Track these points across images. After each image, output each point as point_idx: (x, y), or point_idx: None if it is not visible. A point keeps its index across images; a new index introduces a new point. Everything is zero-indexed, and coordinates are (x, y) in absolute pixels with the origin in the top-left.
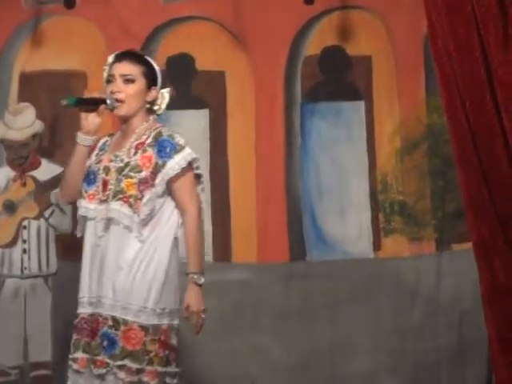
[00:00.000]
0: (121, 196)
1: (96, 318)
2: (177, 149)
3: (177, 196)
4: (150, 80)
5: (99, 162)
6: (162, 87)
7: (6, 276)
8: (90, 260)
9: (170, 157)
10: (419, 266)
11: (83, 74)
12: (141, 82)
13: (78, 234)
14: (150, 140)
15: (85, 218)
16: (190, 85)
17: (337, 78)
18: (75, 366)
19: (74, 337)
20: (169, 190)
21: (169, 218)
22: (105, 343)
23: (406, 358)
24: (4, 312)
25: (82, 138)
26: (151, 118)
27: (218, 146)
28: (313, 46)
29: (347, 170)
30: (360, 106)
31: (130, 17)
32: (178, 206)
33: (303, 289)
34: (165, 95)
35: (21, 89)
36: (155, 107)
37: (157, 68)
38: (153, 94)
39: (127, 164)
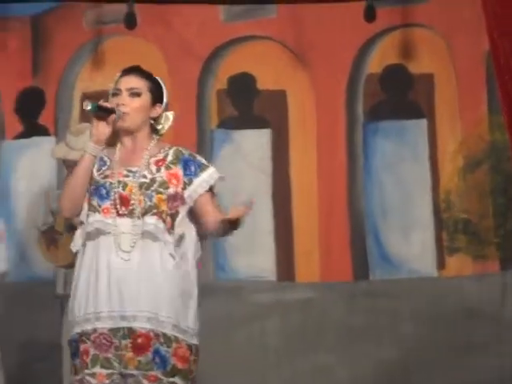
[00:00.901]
0: (155, 211)
1: (123, 332)
2: (202, 167)
3: (203, 210)
4: (156, 96)
5: (107, 176)
6: (223, 107)
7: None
8: (106, 274)
9: (196, 175)
10: (483, 284)
11: None
12: (146, 97)
13: (75, 249)
14: (170, 158)
15: (92, 233)
16: (252, 104)
17: (399, 96)
18: (93, 382)
19: (92, 352)
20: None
21: (190, 242)
22: (157, 359)
23: (469, 377)
24: None
25: (92, 147)
26: (155, 137)
27: (280, 166)
28: (374, 64)
29: (410, 188)
30: (422, 124)
31: (191, 37)
32: (202, 219)
33: (366, 308)
34: (169, 116)
35: (82, 109)
36: (158, 126)
37: (163, 85)
38: (157, 110)
39: (153, 180)
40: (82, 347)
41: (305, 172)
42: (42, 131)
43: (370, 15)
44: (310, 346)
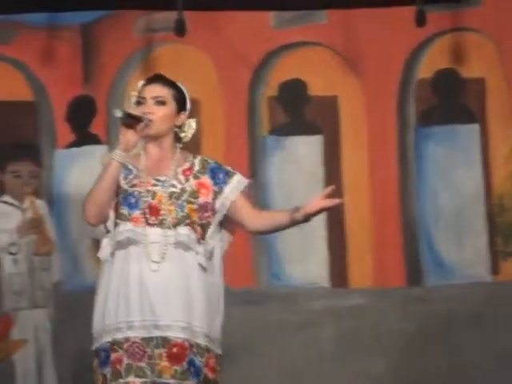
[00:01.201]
0: (187, 222)
1: (156, 341)
2: (229, 174)
3: (240, 214)
4: (180, 104)
5: (135, 185)
6: (275, 114)
7: None
8: (137, 283)
9: (225, 182)
10: None
11: (196, 102)
12: (171, 105)
13: (103, 257)
14: (197, 167)
15: (122, 242)
16: (303, 111)
17: (450, 100)
18: None
19: (126, 361)
20: (228, 215)
21: (218, 253)
22: (192, 369)
23: None
24: None
25: (120, 155)
26: (178, 145)
27: (332, 172)
28: (425, 68)
29: (463, 193)
30: (475, 128)
31: (242, 44)
32: (242, 222)
33: (420, 313)
34: (192, 124)
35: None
36: (182, 134)
37: (186, 93)
38: (182, 118)
39: (183, 190)
40: (114, 356)
41: (357, 178)
42: (94, 140)
43: (420, 20)
44: (364, 352)
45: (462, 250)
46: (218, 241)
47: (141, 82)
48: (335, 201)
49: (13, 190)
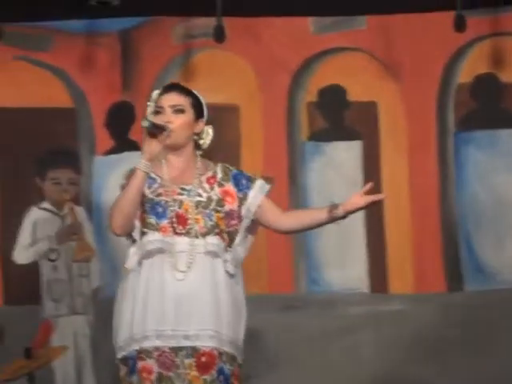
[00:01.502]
0: (216, 231)
1: (186, 351)
2: (251, 179)
3: (267, 217)
4: (198, 112)
5: (160, 194)
6: (314, 119)
7: None
8: (165, 293)
9: (248, 188)
10: None
11: (235, 108)
12: (189, 113)
13: (131, 267)
14: (220, 175)
15: (151, 251)
16: (343, 116)
17: (490, 105)
18: None
19: (156, 370)
20: (254, 219)
21: (242, 259)
22: (221, 378)
23: None
24: None
25: (144, 165)
26: (198, 153)
27: (371, 177)
28: (465, 73)
29: (504, 198)
30: None
31: (281, 50)
32: (268, 222)
33: (461, 319)
34: (209, 131)
35: None
36: (200, 141)
37: (203, 101)
38: (200, 125)
39: (210, 198)
40: (141, 364)
41: (396, 183)
42: (133, 146)
43: (459, 25)
44: (404, 358)
45: (503, 255)
46: (244, 247)
47: (156, 92)
48: (376, 197)
49: (52, 196)
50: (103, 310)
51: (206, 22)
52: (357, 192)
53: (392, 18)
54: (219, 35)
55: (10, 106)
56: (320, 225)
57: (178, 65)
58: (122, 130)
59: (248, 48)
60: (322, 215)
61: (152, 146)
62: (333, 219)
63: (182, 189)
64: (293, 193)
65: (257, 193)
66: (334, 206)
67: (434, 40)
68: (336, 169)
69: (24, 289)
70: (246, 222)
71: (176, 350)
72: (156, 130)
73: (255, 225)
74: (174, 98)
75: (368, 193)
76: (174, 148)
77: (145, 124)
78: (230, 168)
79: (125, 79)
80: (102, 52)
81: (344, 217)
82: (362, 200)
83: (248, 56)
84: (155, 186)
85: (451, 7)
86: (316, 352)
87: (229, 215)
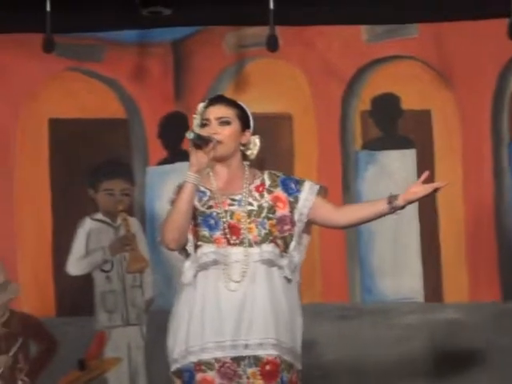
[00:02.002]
0: (271, 238)
1: (248, 360)
2: (299, 182)
3: (323, 215)
4: (244, 123)
5: (211, 206)
6: (367, 128)
7: None
8: (222, 304)
9: (298, 191)
10: None
11: (289, 117)
12: (236, 124)
13: (187, 281)
14: (269, 182)
15: (207, 264)
16: (396, 125)
17: None
18: None
19: (218, 381)
20: (310, 220)
21: (297, 266)
22: None
23: None
24: None
25: (193, 177)
26: (245, 163)
27: (424, 197)
28: None
29: None
30: None
31: (334, 58)
32: (326, 220)
33: None
34: (256, 141)
35: None
36: (248, 152)
37: (249, 111)
38: (247, 136)
39: (261, 206)
40: (200, 376)
41: (451, 191)
42: (186, 156)
43: None
44: (459, 368)
45: None
46: (300, 250)
47: (202, 104)
48: (436, 184)
49: (105, 207)
50: (157, 320)
51: (259, 31)
52: (415, 182)
53: (444, 26)
54: (272, 44)
55: (64, 116)
56: (379, 216)
57: (231, 75)
58: (175, 140)
59: (301, 57)
60: (381, 206)
61: (199, 158)
62: (392, 210)
63: (232, 199)
64: (347, 202)
65: (307, 194)
66: (393, 197)
67: (488, 48)
68: (390, 177)
69: (78, 300)
70: (299, 226)
71: (238, 360)
72: (201, 142)
73: (310, 224)
74: (219, 110)
75: (425, 183)
76: (222, 159)
77: (190, 136)
78: (278, 174)
79: (177, 89)
80: (154, 62)
81: (403, 207)
82: (424, 188)
83: (301, 65)
84: (205, 198)
85: (505, 15)
86: (371, 361)
87: (281, 221)
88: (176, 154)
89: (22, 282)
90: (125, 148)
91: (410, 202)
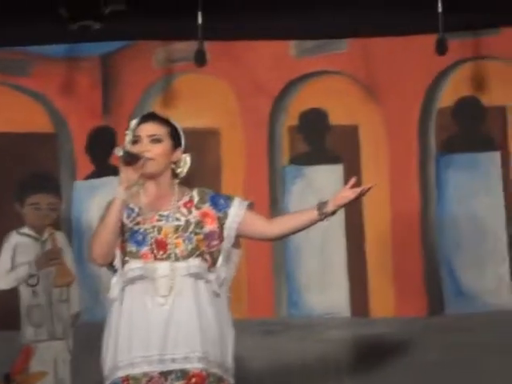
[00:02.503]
0: (197, 253)
1: (175, 374)
2: (229, 198)
3: (253, 228)
4: (175, 141)
5: (139, 223)
6: (295, 143)
7: None
8: (149, 318)
9: (228, 206)
10: None
11: (216, 132)
12: (167, 142)
13: (113, 296)
14: (197, 198)
15: (133, 279)
16: (324, 140)
17: (472, 129)
18: None
19: None
20: (240, 235)
21: (226, 280)
22: None
23: None
24: None
25: (122, 193)
26: (176, 181)
27: (352, 201)
28: (447, 96)
29: (484, 221)
30: (496, 156)
31: (262, 73)
32: (257, 232)
33: (442, 343)
34: (187, 159)
35: None
36: (178, 170)
37: (180, 129)
38: (177, 154)
39: (188, 222)
40: None
41: (378, 206)
42: (114, 171)
43: (441, 48)
44: (384, 382)
45: (484, 278)
46: (228, 264)
47: (134, 122)
48: (365, 187)
49: (32, 222)
50: (83, 335)
51: (187, 46)
52: (343, 187)
53: (373, 41)
54: (200, 59)
55: None
56: (310, 224)
57: (159, 89)
58: (103, 154)
59: (229, 71)
60: (311, 214)
61: (128, 175)
62: (323, 216)
63: (160, 215)
64: (274, 216)
65: (237, 210)
66: (322, 204)
67: (416, 63)
68: (317, 192)
69: (3, 314)
70: (229, 241)
71: (165, 374)
72: (131, 159)
73: (238, 239)
74: (151, 128)
75: (353, 187)
76: (152, 177)
77: (119, 153)
78: (206, 191)
79: (105, 104)
80: (82, 76)
81: (333, 213)
82: (352, 192)
83: (229, 79)
84: (133, 215)
85: (433, 30)
86: (296, 376)
87: (209, 236)
88: (104, 169)
89: None
90: (52, 162)
91: (340, 207)
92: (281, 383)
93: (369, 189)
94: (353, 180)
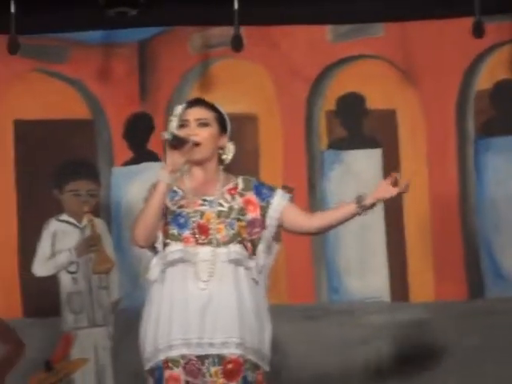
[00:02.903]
0: (239, 239)
1: (212, 359)
2: (272, 188)
3: (294, 220)
4: (222, 126)
5: (182, 206)
6: (333, 128)
7: None
8: (190, 302)
9: (271, 196)
10: None
11: (254, 117)
12: (214, 127)
13: (153, 278)
14: (241, 185)
15: (173, 262)
16: (362, 124)
17: (510, 111)
18: None
19: (183, 378)
20: (280, 226)
21: (265, 267)
22: None
23: None
24: None
25: (167, 176)
26: (221, 167)
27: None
28: (484, 80)
29: None
30: None
31: (299, 58)
32: (297, 225)
33: (483, 327)
34: (230, 147)
35: None
36: (223, 156)
37: (226, 116)
38: (224, 140)
39: (231, 208)
40: (168, 373)
41: (416, 190)
42: (151, 157)
43: (478, 31)
44: (425, 367)
45: None
46: (267, 254)
47: (179, 107)
48: (407, 185)
49: (71, 208)
50: (123, 321)
51: (224, 32)
52: (382, 181)
53: (410, 25)
54: (237, 44)
55: (28, 118)
56: (349, 218)
57: (196, 75)
58: (140, 140)
59: (266, 57)
60: (350, 208)
61: (174, 159)
62: (362, 209)
63: (204, 200)
64: (312, 201)
65: (279, 200)
66: (360, 197)
67: (453, 47)
68: (355, 177)
69: (44, 301)
70: (270, 231)
71: (202, 358)
72: (178, 143)
73: (280, 231)
74: (199, 112)
75: (392, 184)
76: (200, 162)
77: (166, 136)
78: (251, 179)
79: (142, 90)
80: (119, 63)
81: (372, 206)
82: (394, 190)
83: (266, 65)
84: (177, 198)
85: (469, 13)
86: (337, 361)
87: (251, 224)
88: (141, 155)
89: None
90: (90, 149)
91: (379, 201)
92: (320, 369)
93: (408, 186)
94: (393, 176)
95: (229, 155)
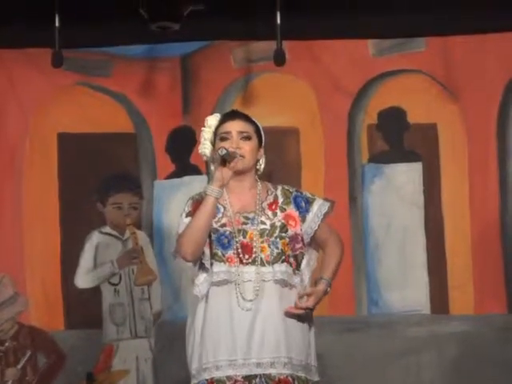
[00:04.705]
0: (283, 258)
1: (259, 379)
2: (310, 200)
3: (322, 241)
4: (260, 139)
5: (224, 225)
6: (374, 141)
7: None
8: (233, 322)
9: (307, 211)
10: None
11: (296, 130)
12: (254, 140)
13: (200, 294)
14: (281, 199)
15: (217, 283)
16: (402, 138)
17: None
18: None
19: None
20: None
21: (308, 278)
22: None
23: None
24: None
25: (216, 191)
26: (257, 178)
27: (432, 199)
28: None
29: None
30: None
31: (341, 72)
32: (320, 244)
33: None
34: (263, 158)
35: None
36: (257, 166)
37: (261, 128)
38: (261, 152)
39: (273, 225)
40: None
41: (457, 204)
42: (194, 170)
43: None
44: (466, 380)
45: None
46: (310, 268)
47: (213, 118)
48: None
49: (114, 221)
50: (164, 333)
51: (266, 46)
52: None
53: (451, 39)
54: (279, 59)
55: (72, 131)
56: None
57: (239, 88)
58: (183, 154)
59: (308, 71)
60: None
61: (224, 173)
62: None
63: (245, 217)
64: (353, 215)
65: (314, 216)
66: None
67: (494, 61)
68: (396, 191)
69: (86, 313)
70: (307, 243)
71: (249, 379)
72: (229, 158)
73: (314, 241)
74: (241, 125)
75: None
76: (240, 174)
77: (222, 153)
78: (290, 190)
79: (185, 104)
80: (162, 77)
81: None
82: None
83: (308, 79)
84: (219, 215)
85: (511, 28)
86: (377, 374)
87: (294, 239)
88: (184, 168)
89: (31, 295)
90: (133, 162)
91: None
92: (360, 382)
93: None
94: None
95: (263, 164)
